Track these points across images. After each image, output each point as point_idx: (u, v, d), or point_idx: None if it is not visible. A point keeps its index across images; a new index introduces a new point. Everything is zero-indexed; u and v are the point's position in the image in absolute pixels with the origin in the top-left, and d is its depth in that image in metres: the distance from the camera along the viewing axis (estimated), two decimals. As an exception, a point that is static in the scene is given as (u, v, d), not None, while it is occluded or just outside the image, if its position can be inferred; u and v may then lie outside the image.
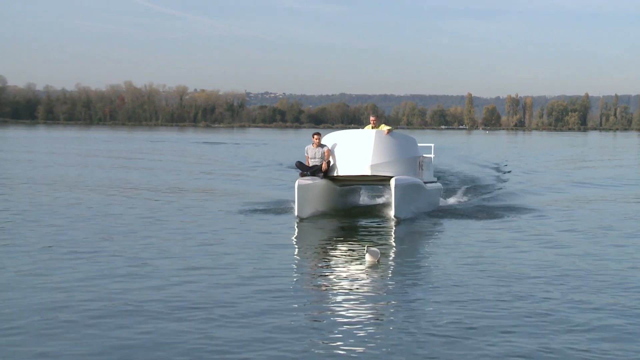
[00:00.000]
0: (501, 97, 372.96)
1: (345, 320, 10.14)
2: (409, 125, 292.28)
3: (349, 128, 29.34)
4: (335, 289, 12.12)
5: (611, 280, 12.90)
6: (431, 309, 10.76)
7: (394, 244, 17.18)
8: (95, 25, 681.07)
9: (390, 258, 15.08)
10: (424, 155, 23.42)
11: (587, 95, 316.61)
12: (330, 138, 21.72)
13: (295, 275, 13.42)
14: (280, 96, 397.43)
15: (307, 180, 20.20)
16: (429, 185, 22.70)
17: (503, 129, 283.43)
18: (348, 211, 22.23)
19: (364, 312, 10.62)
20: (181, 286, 11.92)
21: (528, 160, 58.51)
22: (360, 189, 24.82)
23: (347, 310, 10.66)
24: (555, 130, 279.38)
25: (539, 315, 10.41)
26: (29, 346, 8.91)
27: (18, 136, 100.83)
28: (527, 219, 20.75)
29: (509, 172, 41.56)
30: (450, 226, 19.57)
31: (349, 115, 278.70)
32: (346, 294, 11.72)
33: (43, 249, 14.88)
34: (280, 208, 21.53)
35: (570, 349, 9.00)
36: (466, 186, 31.28)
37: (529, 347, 9.04)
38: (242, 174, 37.78)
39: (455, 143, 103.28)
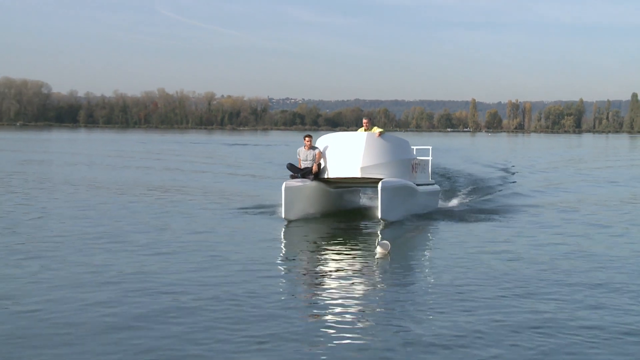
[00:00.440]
0: (502, 102, 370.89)
1: (339, 323, 9.13)
2: (418, 127, 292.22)
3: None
4: (326, 291, 10.99)
5: (618, 281, 12.09)
6: (425, 310, 9.81)
7: (376, 245, 15.39)
8: (131, 37, 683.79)
9: (376, 260, 13.68)
10: (422, 157, 22.15)
11: (581, 101, 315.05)
12: (323, 140, 20.24)
13: (280, 277, 12.10)
14: (300, 101, 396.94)
15: (296, 182, 18.87)
16: (424, 187, 21.12)
17: (504, 132, 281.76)
18: (339, 213, 20.36)
19: (360, 315, 9.60)
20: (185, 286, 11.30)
21: (535, 160, 56.19)
22: (360, 190, 23.31)
23: (341, 313, 9.60)
24: (552, 132, 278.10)
25: (548, 320, 9.75)
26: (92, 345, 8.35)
27: (70, 139, 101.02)
28: (528, 219, 19.61)
29: (515, 173, 39.41)
30: (442, 227, 18.22)
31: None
32: (338, 295, 10.62)
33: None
34: (270, 210, 19.96)
35: (572, 352, 8.32)
36: (470, 187, 29.87)
37: (538, 349, 8.42)
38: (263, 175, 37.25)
39: (461, 144, 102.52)
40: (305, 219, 18.73)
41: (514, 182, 33.12)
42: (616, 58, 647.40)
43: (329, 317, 9.51)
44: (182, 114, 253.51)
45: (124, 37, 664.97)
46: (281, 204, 18.26)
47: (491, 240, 16.11)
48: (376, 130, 20.29)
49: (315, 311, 9.83)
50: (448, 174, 35.32)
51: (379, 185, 17.96)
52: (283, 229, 17.34)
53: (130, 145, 78.61)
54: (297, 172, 19.70)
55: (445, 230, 17.88)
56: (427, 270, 12.99)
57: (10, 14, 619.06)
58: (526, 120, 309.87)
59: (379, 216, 17.95)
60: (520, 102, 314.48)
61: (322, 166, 19.68)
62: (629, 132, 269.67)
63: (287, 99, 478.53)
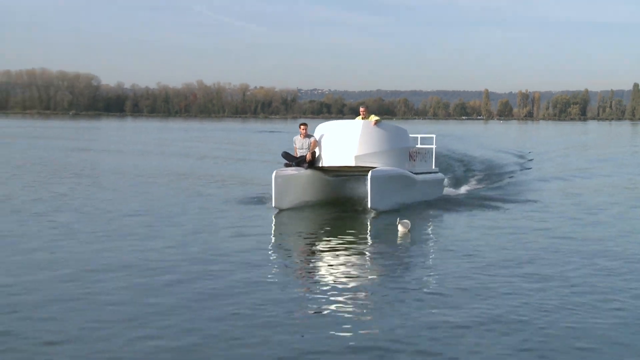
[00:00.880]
0: (513, 92, 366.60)
1: (336, 313, 8.48)
2: (435, 116, 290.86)
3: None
4: (321, 281, 10.18)
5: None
6: (420, 301, 9.01)
7: (368, 235, 14.60)
8: (171, 34, 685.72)
9: (371, 246, 12.94)
10: (425, 145, 20.70)
11: (586, 90, 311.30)
12: (320, 129, 18.70)
13: (270, 266, 11.15)
14: (327, 92, 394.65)
15: (288, 171, 17.45)
16: (424, 175, 19.53)
17: (515, 119, 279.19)
18: (334, 202, 18.61)
19: (357, 305, 8.88)
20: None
21: (550, 147, 52.62)
22: (361, 180, 21.67)
23: (338, 303, 8.88)
24: (559, 120, 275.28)
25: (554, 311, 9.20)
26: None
27: (119, 126, 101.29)
28: (532, 208, 18.01)
29: (531, 160, 36.47)
30: (442, 217, 16.91)
31: (384, 107, 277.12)
32: (335, 286, 9.79)
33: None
34: (264, 198, 18.49)
35: (576, 346, 7.60)
36: (482, 174, 27.87)
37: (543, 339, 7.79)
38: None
39: (475, 131, 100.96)
40: (297, 208, 17.30)
41: (529, 168, 31.23)
42: (619, 51, 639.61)
43: (325, 305, 8.83)
44: (219, 104, 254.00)
45: (165, 34, 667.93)
46: (271, 193, 16.86)
47: (493, 227, 15.02)
48: (373, 118, 18.73)
49: (311, 299, 9.15)
50: (462, 159, 32.48)
51: (369, 174, 16.54)
52: (273, 219, 15.94)
53: (175, 133, 78.59)
54: (292, 160, 18.32)
55: (449, 219, 16.56)
56: (424, 259, 12.05)
57: (65, 14, 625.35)
58: (535, 108, 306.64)
59: (369, 206, 16.48)
60: (529, 92, 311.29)
61: (317, 154, 18.28)
62: (631, 119, 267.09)
63: (315, 89, 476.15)
